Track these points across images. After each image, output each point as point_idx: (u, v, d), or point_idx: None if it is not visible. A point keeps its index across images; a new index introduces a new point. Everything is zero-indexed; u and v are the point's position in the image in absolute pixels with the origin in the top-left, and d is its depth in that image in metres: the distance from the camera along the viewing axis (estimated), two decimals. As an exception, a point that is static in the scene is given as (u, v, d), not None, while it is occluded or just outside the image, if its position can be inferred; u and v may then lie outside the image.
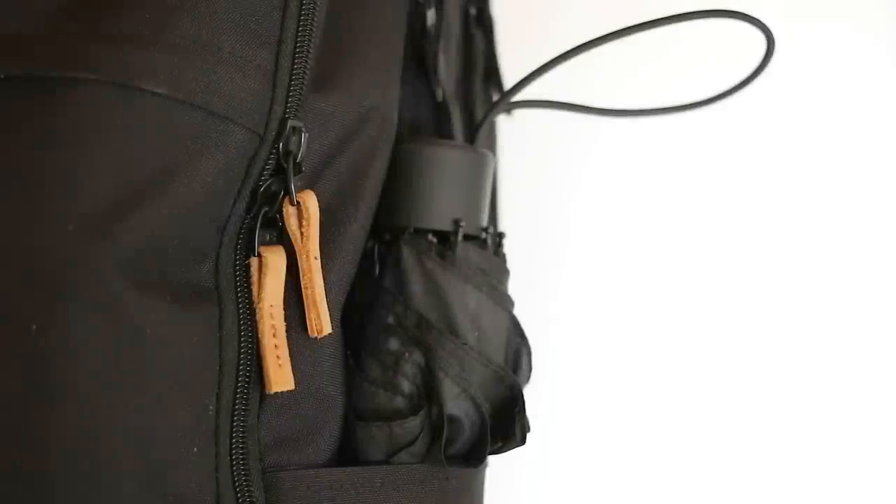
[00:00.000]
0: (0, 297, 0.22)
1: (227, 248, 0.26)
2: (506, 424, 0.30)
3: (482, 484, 0.32)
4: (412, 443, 0.29)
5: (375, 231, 0.30)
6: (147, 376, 0.24)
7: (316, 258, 0.26)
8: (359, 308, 0.30)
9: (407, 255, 0.30)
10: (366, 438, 0.29)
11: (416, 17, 0.33)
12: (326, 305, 0.27)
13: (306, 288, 0.26)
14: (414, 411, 0.29)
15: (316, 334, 0.27)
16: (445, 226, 0.30)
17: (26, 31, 0.23)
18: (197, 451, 0.25)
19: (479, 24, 0.42)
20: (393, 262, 0.30)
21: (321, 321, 0.26)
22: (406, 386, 0.29)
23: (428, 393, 0.29)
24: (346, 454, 0.29)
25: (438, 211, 0.31)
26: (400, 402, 0.29)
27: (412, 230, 0.30)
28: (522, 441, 0.30)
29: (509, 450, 0.31)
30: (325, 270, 0.27)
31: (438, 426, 0.29)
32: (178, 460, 0.24)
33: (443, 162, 0.31)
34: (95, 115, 0.23)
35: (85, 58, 0.23)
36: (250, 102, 0.25)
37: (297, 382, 0.26)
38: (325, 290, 0.27)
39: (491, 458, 0.31)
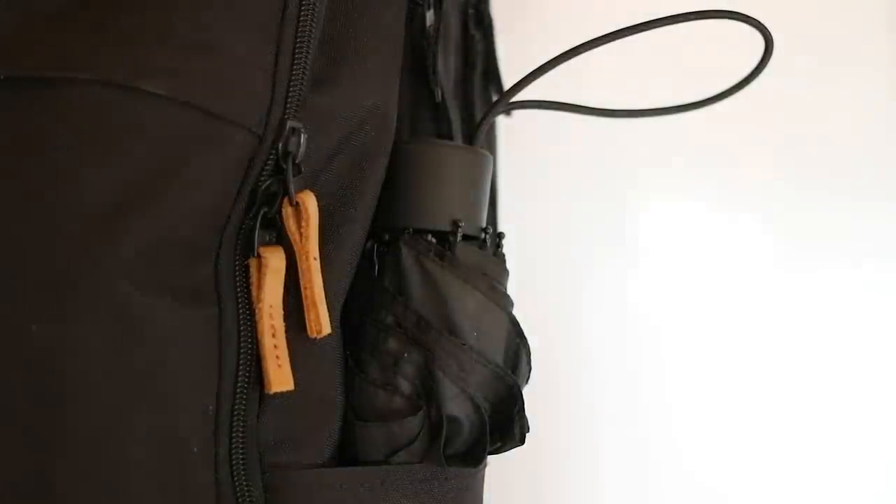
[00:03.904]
0: (2, 297, 0.22)
1: (226, 249, 0.26)
2: (505, 424, 0.30)
3: (481, 484, 0.32)
4: (411, 443, 0.29)
5: (374, 231, 0.30)
6: (147, 376, 0.24)
7: (315, 259, 0.26)
8: (358, 308, 0.30)
9: (406, 255, 0.30)
10: (365, 438, 0.29)
11: (416, 17, 0.33)
12: (326, 306, 0.27)
13: (305, 288, 0.26)
14: (413, 411, 0.29)
15: (315, 335, 0.27)
16: (444, 226, 0.30)
17: (26, 31, 0.23)
18: (197, 451, 0.25)
19: (478, 25, 0.42)
20: (392, 263, 0.30)
21: (320, 321, 0.26)
22: (405, 386, 0.29)
23: (427, 393, 0.29)
24: (346, 454, 0.29)
25: (437, 211, 0.31)
26: (399, 402, 0.29)
27: (411, 230, 0.30)
28: (521, 441, 0.30)
29: (508, 450, 0.31)
30: (324, 271, 0.27)
31: (437, 426, 0.29)
32: (177, 460, 0.24)
33: (442, 162, 0.31)
34: (95, 116, 0.23)
35: (85, 58, 0.23)
36: (250, 103, 0.25)
37: (296, 383, 0.26)
38: (325, 290, 0.27)
39: (490, 458, 0.31)
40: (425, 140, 0.32)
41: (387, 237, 0.31)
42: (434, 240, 0.30)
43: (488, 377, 0.30)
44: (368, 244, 0.31)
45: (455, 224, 0.30)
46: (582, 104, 0.35)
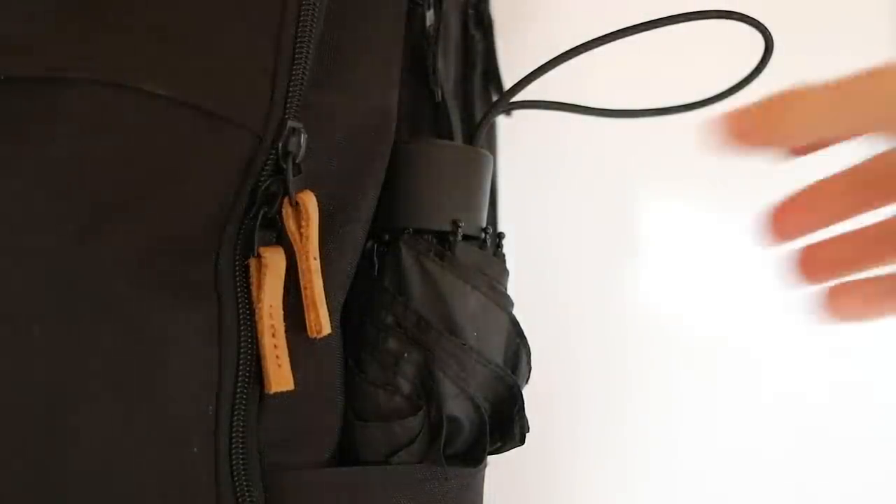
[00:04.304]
0: (3, 298, 0.22)
1: (226, 249, 0.26)
2: (505, 424, 0.30)
3: (481, 484, 0.32)
4: (411, 443, 0.29)
5: (374, 231, 0.30)
6: (147, 376, 0.24)
7: (315, 259, 0.26)
8: (358, 308, 0.30)
9: (406, 255, 0.30)
10: (365, 438, 0.29)
11: (415, 17, 0.33)
12: (325, 306, 0.27)
13: (305, 288, 0.26)
14: (413, 411, 0.29)
15: (315, 335, 0.27)
16: (444, 226, 0.30)
17: (26, 32, 0.23)
18: (197, 451, 0.25)
19: (478, 25, 0.42)
20: (392, 263, 0.30)
21: (320, 321, 0.26)
22: (405, 386, 0.29)
23: (427, 393, 0.29)
24: (346, 454, 0.29)
25: (437, 211, 0.31)
26: (399, 402, 0.29)
27: (411, 230, 0.30)
28: (521, 441, 0.30)
29: (508, 450, 0.31)
30: (324, 271, 0.27)
31: (437, 426, 0.29)
32: (177, 460, 0.24)
33: (442, 162, 0.31)
34: (95, 116, 0.23)
35: (85, 58, 0.23)
36: (249, 103, 0.25)
37: (296, 383, 0.26)
38: (325, 290, 0.27)
39: (490, 458, 0.31)
40: (425, 140, 0.32)
41: (387, 237, 0.31)
42: (434, 240, 0.30)
43: (488, 377, 0.30)
44: (368, 244, 0.31)
45: (455, 224, 0.30)
46: (581, 104, 0.35)
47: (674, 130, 0.54)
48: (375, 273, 0.31)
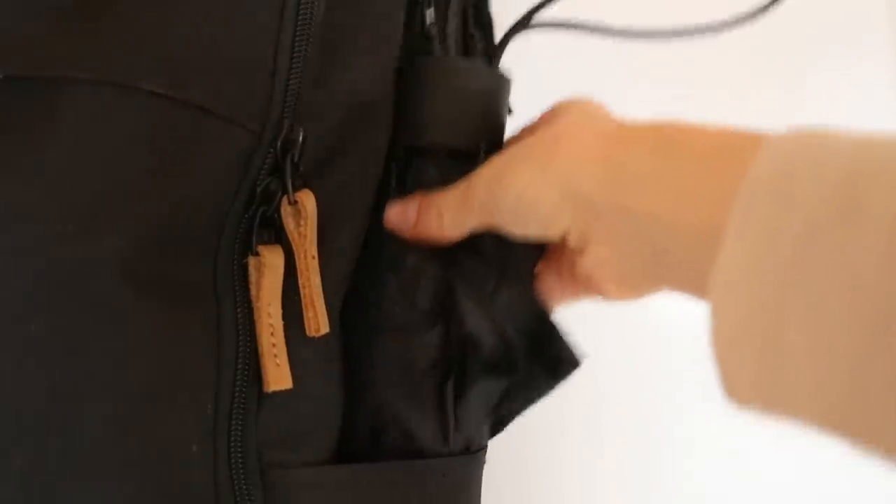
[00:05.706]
0: (1, 296, 0.23)
1: (225, 247, 0.26)
2: (536, 350, 0.29)
3: (479, 481, 0.32)
4: (431, 368, 0.28)
5: (394, 151, 0.30)
6: (145, 375, 0.24)
7: (314, 257, 0.26)
8: (379, 227, 0.29)
9: (430, 170, 0.29)
10: (379, 356, 0.28)
11: (415, 16, 0.33)
12: (324, 304, 0.27)
13: (304, 287, 0.26)
14: (430, 326, 0.28)
15: (314, 333, 0.27)
16: (469, 145, 0.30)
17: (26, 31, 0.23)
18: (196, 451, 0.25)
19: (478, 24, 0.42)
20: (415, 180, 0.29)
21: (319, 320, 0.26)
22: (424, 300, 0.28)
23: (446, 311, 0.28)
24: (345, 453, 0.29)
25: (462, 129, 0.30)
26: (417, 315, 0.28)
27: (433, 148, 0.29)
28: (575, 365, 0.29)
29: (564, 377, 0.30)
30: (322, 270, 0.27)
31: (458, 344, 0.28)
32: (176, 459, 0.25)
33: (468, 79, 0.30)
34: (94, 115, 0.23)
35: (85, 57, 0.23)
36: (248, 102, 0.25)
37: (294, 381, 0.26)
38: (323, 289, 0.27)
39: (489, 456, 0.31)
40: (452, 57, 0.31)
41: (407, 155, 0.30)
42: (456, 159, 0.29)
43: (514, 298, 0.29)
44: (390, 165, 0.30)
45: (477, 146, 0.29)
46: (601, 26, 0.33)
47: (682, 112, 0.54)
48: (395, 192, 0.29)
